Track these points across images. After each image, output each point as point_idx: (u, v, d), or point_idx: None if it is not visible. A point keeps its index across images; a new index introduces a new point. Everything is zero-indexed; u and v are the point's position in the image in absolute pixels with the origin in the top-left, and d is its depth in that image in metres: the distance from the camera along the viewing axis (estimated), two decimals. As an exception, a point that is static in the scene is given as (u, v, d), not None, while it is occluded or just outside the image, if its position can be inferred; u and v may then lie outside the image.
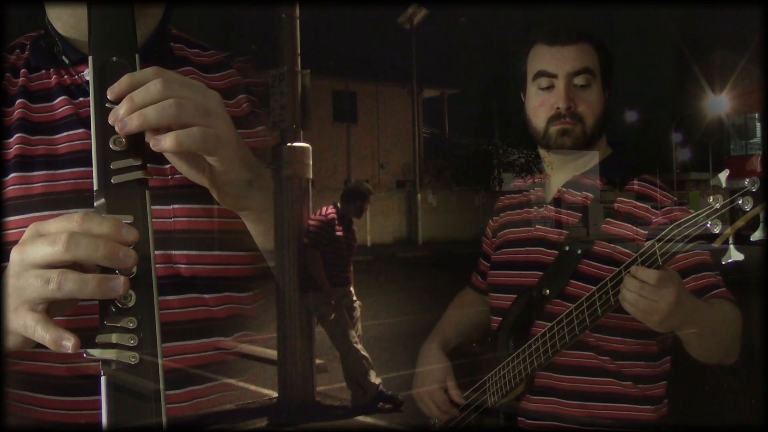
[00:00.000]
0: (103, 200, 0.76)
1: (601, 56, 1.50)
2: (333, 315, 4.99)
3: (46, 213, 1.00)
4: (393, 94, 24.38)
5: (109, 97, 0.78)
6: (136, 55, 0.81)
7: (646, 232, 1.36)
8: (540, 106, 1.50)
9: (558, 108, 1.47)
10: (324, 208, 5.11)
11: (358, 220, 5.32)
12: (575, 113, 1.47)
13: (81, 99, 1.07)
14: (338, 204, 5.13)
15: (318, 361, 5.37)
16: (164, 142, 0.78)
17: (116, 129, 0.76)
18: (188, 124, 0.79)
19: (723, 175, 1.20)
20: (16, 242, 0.77)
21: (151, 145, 0.78)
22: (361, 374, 4.92)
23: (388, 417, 4.78)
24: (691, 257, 1.37)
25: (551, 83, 1.48)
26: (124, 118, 0.77)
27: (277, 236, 4.90)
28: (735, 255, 1.20)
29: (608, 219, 1.45)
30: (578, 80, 1.47)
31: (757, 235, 1.19)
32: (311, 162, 5.26)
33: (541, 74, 1.50)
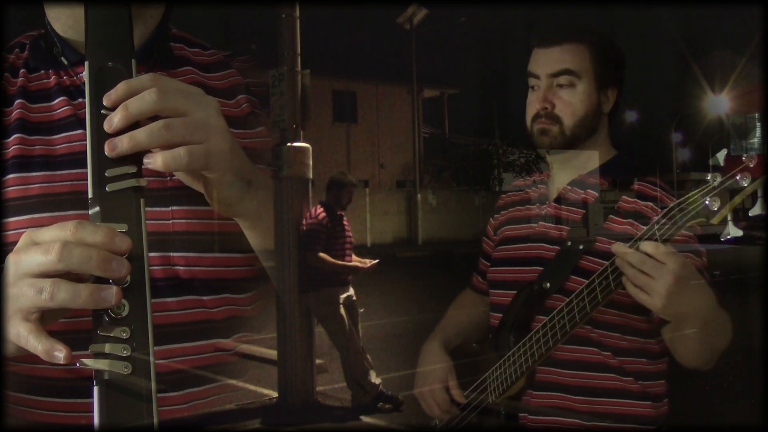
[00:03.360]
0: (97, 208, 0.75)
1: (594, 56, 1.50)
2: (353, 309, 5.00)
3: (44, 214, 1.00)
4: (393, 94, 24.37)
5: (104, 104, 0.78)
6: (133, 60, 0.81)
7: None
8: (528, 106, 1.54)
9: (537, 108, 1.51)
10: (313, 210, 5.11)
11: (360, 220, 5.33)
12: (552, 114, 1.50)
13: (80, 100, 1.07)
14: (324, 201, 5.13)
15: (318, 361, 5.37)
16: (153, 163, 0.78)
17: (106, 150, 0.76)
18: (178, 143, 0.79)
19: (721, 155, 1.22)
20: (14, 243, 0.77)
21: (144, 162, 0.78)
22: (361, 374, 4.92)
23: (388, 417, 4.78)
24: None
25: (536, 84, 1.52)
26: (118, 126, 0.77)
27: (277, 236, 4.90)
28: (734, 231, 1.21)
29: (611, 216, 1.45)
30: (559, 81, 1.50)
31: (755, 210, 1.20)
32: (311, 162, 5.25)
33: (529, 75, 1.54)
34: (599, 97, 1.51)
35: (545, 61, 1.51)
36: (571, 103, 1.49)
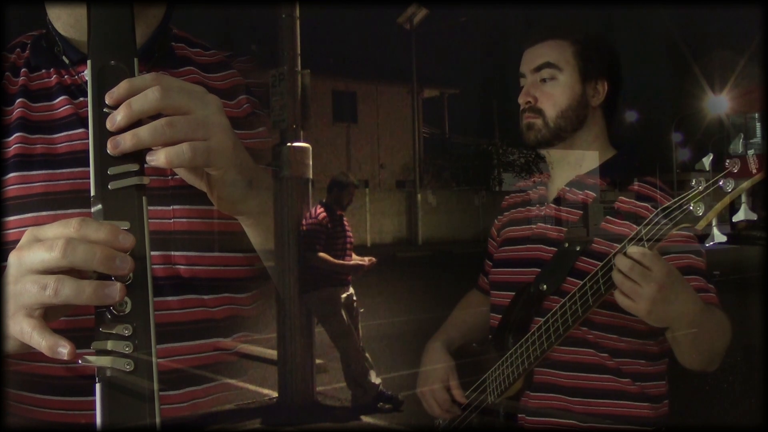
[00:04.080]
0: (100, 206, 0.76)
1: (577, 49, 1.51)
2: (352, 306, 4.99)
3: (46, 213, 1.00)
4: (393, 94, 24.38)
5: (107, 102, 0.78)
6: (135, 59, 0.81)
7: None
8: (519, 104, 1.55)
9: (522, 104, 1.53)
10: (313, 210, 5.11)
11: (360, 220, 5.35)
12: (534, 107, 1.52)
13: (81, 99, 1.07)
14: (324, 201, 5.13)
15: (318, 361, 5.37)
16: (156, 160, 0.78)
17: (109, 147, 0.76)
18: (181, 140, 0.79)
19: (707, 159, 1.21)
20: (15, 242, 0.77)
21: (147, 159, 0.79)
22: (361, 374, 4.92)
23: (388, 417, 4.78)
24: (681, 259, 1.37)
25: (524, 83, 1.54)
26: (121, 124, 0.77)
27: (277, 236, 4.91)
28: (718, 237, 1.21)
29: (608, 217, 1.45)
30: (542, 75, 1.51)
31: (739, 216, 1.20)
32: (311, 162, 5.26)
33: (519, 76, 1.56)
34: (585, 90, 1.51)
35: (529, 59, 1.54)
36: (552, 95, 1.50)
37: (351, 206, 5.32)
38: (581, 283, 1.33)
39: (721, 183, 1.19)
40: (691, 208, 1.20)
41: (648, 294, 1.21)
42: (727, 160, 1.18)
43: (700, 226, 1.21)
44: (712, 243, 1.22)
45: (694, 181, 1.21)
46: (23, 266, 0.74)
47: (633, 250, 1.23)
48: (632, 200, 1.44)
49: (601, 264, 1.30)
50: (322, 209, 5.07)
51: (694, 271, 1.38)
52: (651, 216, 1.25)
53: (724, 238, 1.21)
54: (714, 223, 1.20)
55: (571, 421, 1.45)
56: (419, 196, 21.05)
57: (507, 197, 1.72)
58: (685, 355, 1.35)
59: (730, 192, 1.18)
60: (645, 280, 1.21)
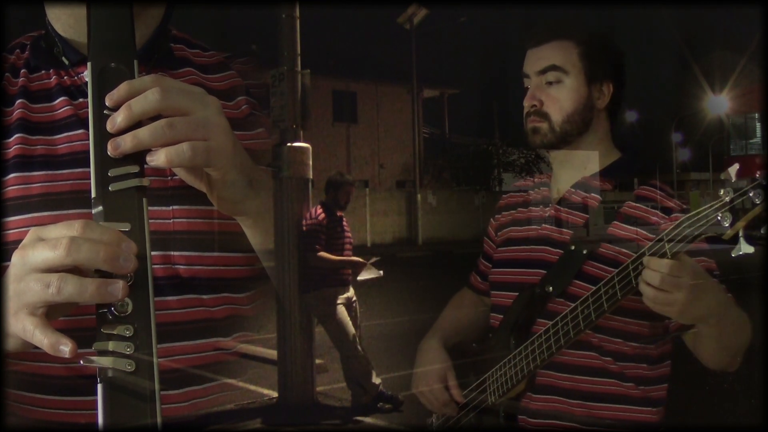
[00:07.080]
0: (100, 207, 0.76)
1: (583, 51, 1.50)
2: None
3: (46, 213, 1.00)
4: (393, 94, 24.37)
5: (107, 104, 0.78)
6: (135, 61, 0.81)
7: (654, 236, 1.36)
8: (524, 107, 1.54)
9: (527, 107, 1.52)
10: (312, 210, 5.12)
11: (360, 220, 5.35)
12: (540, 111, 1.50)
13: (81, 100, 1.07)
14: (323, 201, 5.14)
15: (318, 361, 5.37)
16: (156, 160, 0.79)
17: (109, 149, 0.77)
18: (181, 140, 0.79)
19: (732, 169, 1.20)
20: (15, 242, 0.78)
21: (147, 159, 0.79)
22: (362, 374, 4.92)
23: (388, 417, 4.78)
24: (697, 262, 1.36)
25: (528, 84, 1.53)
26: (121, 126, 0.77)
27: (276, 236, 4.91)
28: (745, 248, 1.19)
29: (615, 222, 1.44)
30: (547, 78, 1.50)
31: None
32: (311, 162, 5.26)
33: (523, 76, 1.55)
34: (590, 92, 1.50)
35: (534, 60, 1.53)
36: (559, 99, 1.49)
37: (351, 206, 5.32)
38: (596, 287, 1.33)
39: (751, 194, 1.18)
40: (719, 218, 1.20)
41: (681, 299, 1.22)
42: (758, 173, 1.18)
43: (727, 236, 1.21)
44: (740, 254, 1.21)
45: (722, 191, 1.20)
46: (26, 265, 0.74)
47: (660, 262, 1.23)
48: (640, 205, 1.44)
49: (618, 269, 1.30)
50: (321, 210, 5.07)
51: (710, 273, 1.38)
52: (676, 224, 1.24)
53: (751, 250, 1.19)
54: (741, 234, 1.19)
55: (573, 424, 1.44)
56: (419, 196, 21.04)
57: (505, 196, 1.71)
58: (710, 352, 1.36)
59: (759, 203, 1.18)
60: (676, 288, 1.22)
